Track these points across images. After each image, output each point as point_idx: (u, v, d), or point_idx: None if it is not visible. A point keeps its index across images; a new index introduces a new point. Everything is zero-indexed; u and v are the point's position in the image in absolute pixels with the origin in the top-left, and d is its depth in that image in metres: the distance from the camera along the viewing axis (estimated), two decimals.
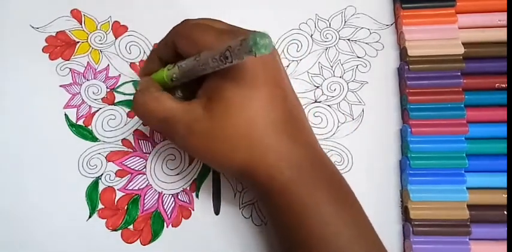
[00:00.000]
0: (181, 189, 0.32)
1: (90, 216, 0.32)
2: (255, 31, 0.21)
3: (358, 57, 0.34)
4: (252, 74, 0.24)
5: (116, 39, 0.35)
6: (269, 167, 0.24)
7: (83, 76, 0.34)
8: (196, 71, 0.25)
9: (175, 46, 0.27)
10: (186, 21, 0.28)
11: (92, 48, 0.35)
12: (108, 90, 0.34)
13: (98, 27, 0.35)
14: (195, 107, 0.25)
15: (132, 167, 0.33)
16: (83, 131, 0.33)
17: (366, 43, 0.34)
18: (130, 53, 0.34)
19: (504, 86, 0.31)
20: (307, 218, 0.24)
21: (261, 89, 0.24)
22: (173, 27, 0.28)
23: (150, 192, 0.32)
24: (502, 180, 0.30)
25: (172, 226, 0.32)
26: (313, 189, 0.24)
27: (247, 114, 0.24)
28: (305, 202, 0.24)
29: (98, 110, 0.34)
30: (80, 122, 0.33)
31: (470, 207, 0.30)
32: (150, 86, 0.28)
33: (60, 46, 0.35)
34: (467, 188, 0.30)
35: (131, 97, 0.34)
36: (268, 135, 0.24)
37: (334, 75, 0.34)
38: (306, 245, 0.24)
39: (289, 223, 0.25)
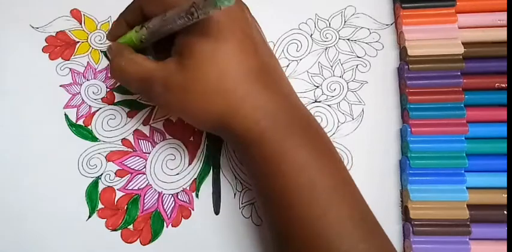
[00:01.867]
0: (181, 189, 0.32)
1: (90, 216, 0.32)
2: None
3: (358, 57, 0.34)
4: (219, 27, 0.24)
5: None
6: (244, 118, 0.25)
7: (83, 76, 0.34)
8: (164, 30, 0.25)
9: (141, 8, 0.27)
10: None
11: (92, 48, 0.35)
12: (108, 90, 0.34)
13: (98, 27, 0.35)
14: (169, 65, 0.26)
15: (132, 167, 0.33)
16: (83, 131, 0.33)
17: (366, 43, 0.34)
18: None
19: (504, 85, 0.31)
20: (283, 165, 0.24)
21: (230, 41, 0.25)
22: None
23: (150, 192, 0.32)
24: (502, 180, 0.30)
25: (172, 226, 0.32)
26: (289, 137, 0.25)
27: (218, 66, 0.24)
28: (281, 150, 0.24)
29: (97, 110, 0.34)
30: (80, 122, 0.33)
31: (470, 207, 0.30)
32: (123, 49, 0.28)
33: (60, 46, 0.35)
34: (467, 188, 0.30)
35: (131, 97, 0.34)
36: (241, 86, 0.25)
37: (334, 75, 0.34)
38: (284, 194, 0.24)
39: (267, 171, 0.25)
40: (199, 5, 0.22)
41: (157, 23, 0.25)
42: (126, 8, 0.29)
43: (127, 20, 0.29)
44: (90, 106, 0.34)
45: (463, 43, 0.32)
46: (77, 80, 0.34)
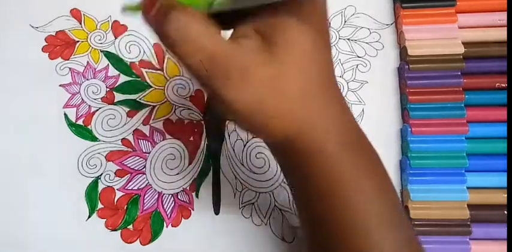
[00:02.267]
0: (181, 189, 0.32)
1: (89, 216, 0.32)
2: None
3: (358, 56, 0.34)
4: (321, 17, 0.20)
5: (115, 38, 0.35)
6: (317, 137, 0.21)
7: (83, 76, 0.34)
8: None
9: None
10: None
11: (92, 47, 0.35)
12: (108, 89, 0.34)
13: (98, 27, 0.35)
14: (252, 48, 0.20)
15: (131, 167, 0.33)
16: (83, 131, 0.33)
17: (366, 43, 0.34)
18: (130, 53, 0.34)
19: (504, 85, 0.31)
20: (345, 192, 0.21)
21: (326, 36, 0.20)
22: None
23: (150, 192, 0.32)
24: (502, 179, 0.30)
25: (172, 226, 0.32)
26: (356, 164, 0.22)
27: (320, 67, 0.20)
28: (347, 177, 0.21)
29: (97, 110, 0.33)
30: (80, 122, 0.33)
31: (471, 207, 0.30)
32: (194, 12, 0.20)
33: (59, 45, 0.35)
34: (468, 188, 0.30)
35: (131, 96, 0.34)
36: (325, 98, 0.21)
37: None
38: (337, 219, 0.22)
39: (325, 193, 0.22)
40: None
41: None
42: None
43: None
44: (89, 106, 0.34)
45: (463, 43, 0.32)
46: (77, 80, 0.34)
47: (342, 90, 0.34)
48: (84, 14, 0.35)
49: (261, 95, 0.20)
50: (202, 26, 0.20)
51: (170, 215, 0.32)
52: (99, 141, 0.33)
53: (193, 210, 0.32)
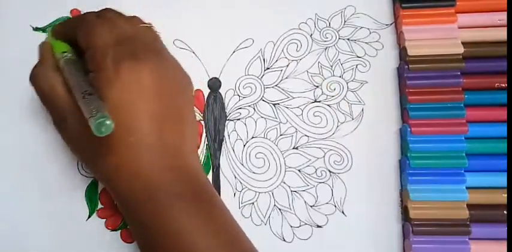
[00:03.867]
0: None
1: (89, 216, 0.32)
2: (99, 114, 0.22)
3: (357, 56, 0.34)
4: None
5: None
6: (145, 179, 0.25)
7: None
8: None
9: (75, 30, 0.27)
10: (100, 12, 0.28)
11: None
12: None
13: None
14: (76, 107, 0.25)
15: None
16: None
17: (366, 43, 0.34)
18: None
19: (504, 85, 0.31)
20: (167, 226, 0.24)
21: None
22: (86, 13, 0.29)
23: None
24: (501, 179, 0.30)
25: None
26: (177, 204, 0.25)
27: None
28: (166, 214, 0.24)
29: None
30: None
31: (470, 206, 0.30)
32: (47, 59, 0.28)
33: None
34: (467, 188, 0.30)
35: None
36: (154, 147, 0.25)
37: (333, 75, 0.34)
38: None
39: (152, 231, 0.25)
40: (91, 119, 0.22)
41: (74, 83, 0.25)
42: (69, 20, 0.31)
43: (64, 32, 0.29)
44: None
45: (462, 43, 0.32)
46: None
47: (341, 91, 0.34)
48: None
49: (74, 145, 0.28)
50: (45, 78, 0.27)
51: None
52: None
53: None
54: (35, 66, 0.28)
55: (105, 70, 0.25)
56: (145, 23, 0.29)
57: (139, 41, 0.26)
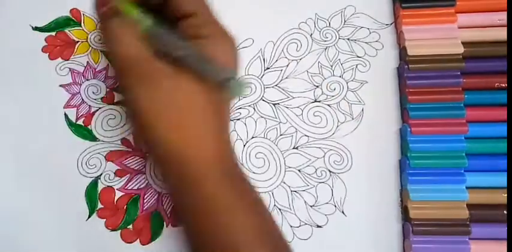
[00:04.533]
0: None
1: (89, 216, 0.32)
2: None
3: (357, 56, 0.34)
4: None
5: None
6: (203, 157, 0.24)
7: (83, 76, 0.34)
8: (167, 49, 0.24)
9: None
10: None
11: (92, 47, 0.35)
12: (108, 89, 0.34)
13: (98, 27, 0.35)
14: (147, 47, 0.24)
15: (131, 167, 0.33)
16: (83, 131, 0.33)
17: (366, 42, 0.34)
18: None
19: (504, 85, 0.31)
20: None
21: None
22: None
23: (150, 191, 0.32)
24: (501, 179, 0.30)
25: (171, 226, 0.32)
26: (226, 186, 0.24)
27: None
28: (215, 191, 0.24)
29: (97, 110, 0.34)
30: (80, 122, 0.33)
31: (470, 206, 0.30)
32: (125, 22, 0.24)
33: (59, 46, 0.35)
34: (467, 188, 0.30)
35: None
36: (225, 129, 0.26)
37: (333, 75, 0.34)
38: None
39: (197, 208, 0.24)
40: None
41: (170, 41, 0.24)
42: None
43: None
44: (89, 106, 0.34)
45: (462, 43, 0.32)
46: (77, 80, 0.34)
47: (341, 91, 0.34)
48: (84, 14, 0.35)
49: (164, 105, 0.23)
50: (128, 34, 0.24)
51: (170, 215, 0.32)
52: (99, 141, 0.33)
53: None
54: (108, 22, 0.24)
55: (222, 34, 0.25)
56: None
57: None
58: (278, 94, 0.34)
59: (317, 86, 0.34)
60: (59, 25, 0.35)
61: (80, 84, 0.34)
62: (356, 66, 0.34)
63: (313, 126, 0.33)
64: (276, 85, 0.34)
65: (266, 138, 0.33)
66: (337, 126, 0.33)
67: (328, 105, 0.34)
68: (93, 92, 0.34)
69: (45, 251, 0.31)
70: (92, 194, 0.32)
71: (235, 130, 0.33)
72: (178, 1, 0.25)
